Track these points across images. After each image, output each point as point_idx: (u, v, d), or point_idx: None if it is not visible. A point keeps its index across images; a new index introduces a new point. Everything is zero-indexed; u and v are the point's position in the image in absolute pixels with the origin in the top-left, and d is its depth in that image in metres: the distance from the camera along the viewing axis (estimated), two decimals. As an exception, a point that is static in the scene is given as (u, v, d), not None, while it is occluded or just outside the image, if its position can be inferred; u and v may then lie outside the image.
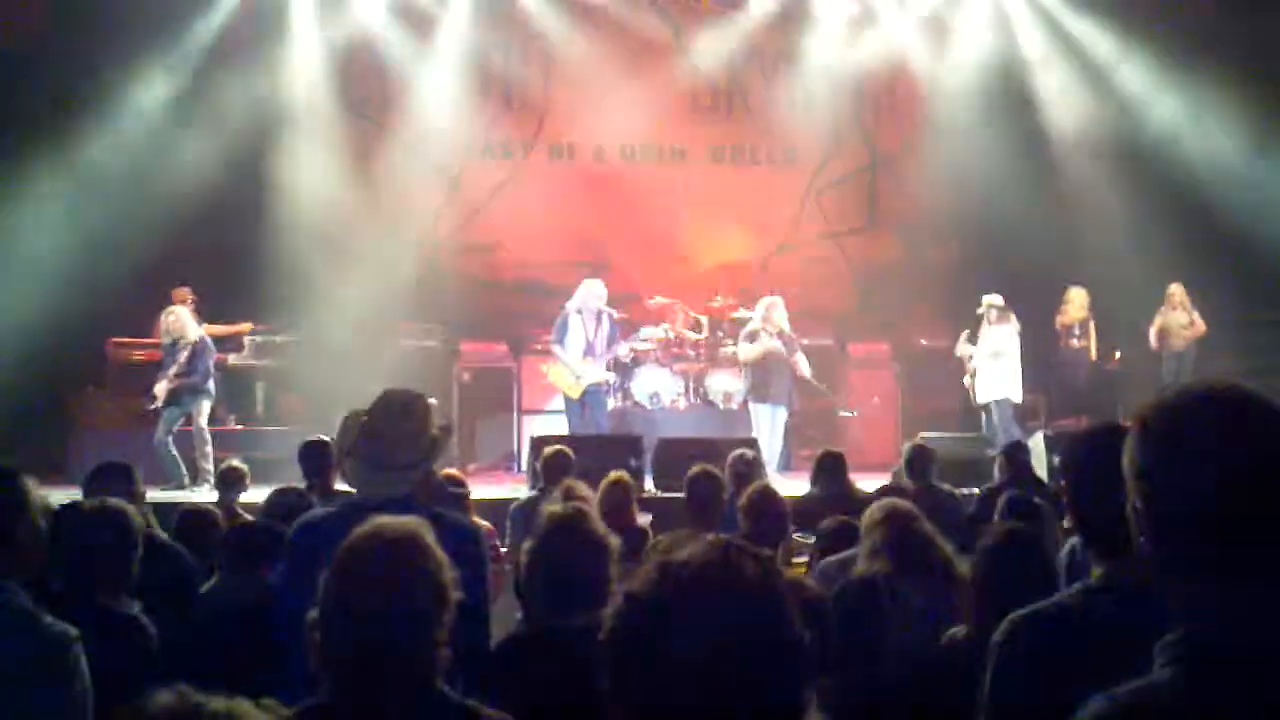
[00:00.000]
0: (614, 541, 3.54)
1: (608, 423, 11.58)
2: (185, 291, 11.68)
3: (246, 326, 12.45)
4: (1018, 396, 11.58)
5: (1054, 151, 14.43)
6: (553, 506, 3.72)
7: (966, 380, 11.80)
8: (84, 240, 12.06)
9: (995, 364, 11.47)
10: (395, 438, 3.06)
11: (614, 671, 1.49)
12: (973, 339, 11.71)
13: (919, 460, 7.55)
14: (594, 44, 14.36)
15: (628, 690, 1.48)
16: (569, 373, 11.30)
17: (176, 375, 10.48)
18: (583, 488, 5.80)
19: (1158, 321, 12.77)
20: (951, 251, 14.98)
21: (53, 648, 2.78)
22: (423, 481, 3.16)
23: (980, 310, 11.66)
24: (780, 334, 11.47)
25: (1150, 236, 13.28)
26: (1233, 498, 1.56)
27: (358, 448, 3.11)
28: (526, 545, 3.59)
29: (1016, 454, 7.89)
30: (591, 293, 11.56)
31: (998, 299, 11.64)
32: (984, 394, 11.57)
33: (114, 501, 3.77)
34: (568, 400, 11.45)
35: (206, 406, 10.67)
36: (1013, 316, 11.57)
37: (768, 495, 5.65)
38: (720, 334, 13.14)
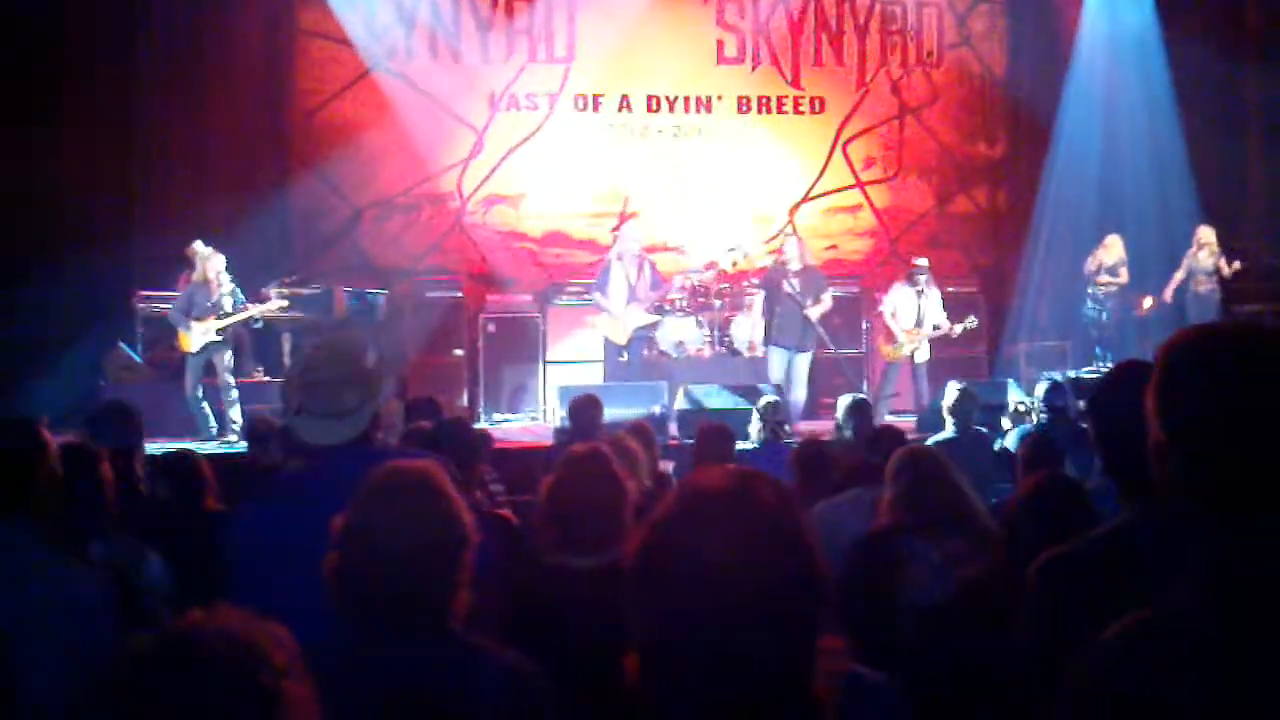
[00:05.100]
0: (631, 486, 3.50)
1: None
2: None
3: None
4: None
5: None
6: (575, 446, 3.68)
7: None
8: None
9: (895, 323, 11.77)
10: (334, 383, 2.93)
11: (637, 601, 1.50)
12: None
13: (962, 403, 7.54)
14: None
15: (650, 619, 1.49)
16: (614, 319, 11.21)
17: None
18: (632, 441, 5.37)
19: (1184, 264, 12.62)
20: (979, 200, 15.01)
21: (77, 588, 2.77)
22: (373, 423, 3.03)
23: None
24: (801, 272, 11.08)
25: (1184, 182, 13.20)
26: (1242, 431, 1.55)
27: (301, 403, 3.02)
28: (544, 481, 3.53)
29: (1053, 398, 7.85)
30: (631, 237, 11.49)
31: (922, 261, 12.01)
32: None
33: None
34: (609, 346, 11.35)
35: (230, 357, 10.59)
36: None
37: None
38: (746, 284, 13.08)
